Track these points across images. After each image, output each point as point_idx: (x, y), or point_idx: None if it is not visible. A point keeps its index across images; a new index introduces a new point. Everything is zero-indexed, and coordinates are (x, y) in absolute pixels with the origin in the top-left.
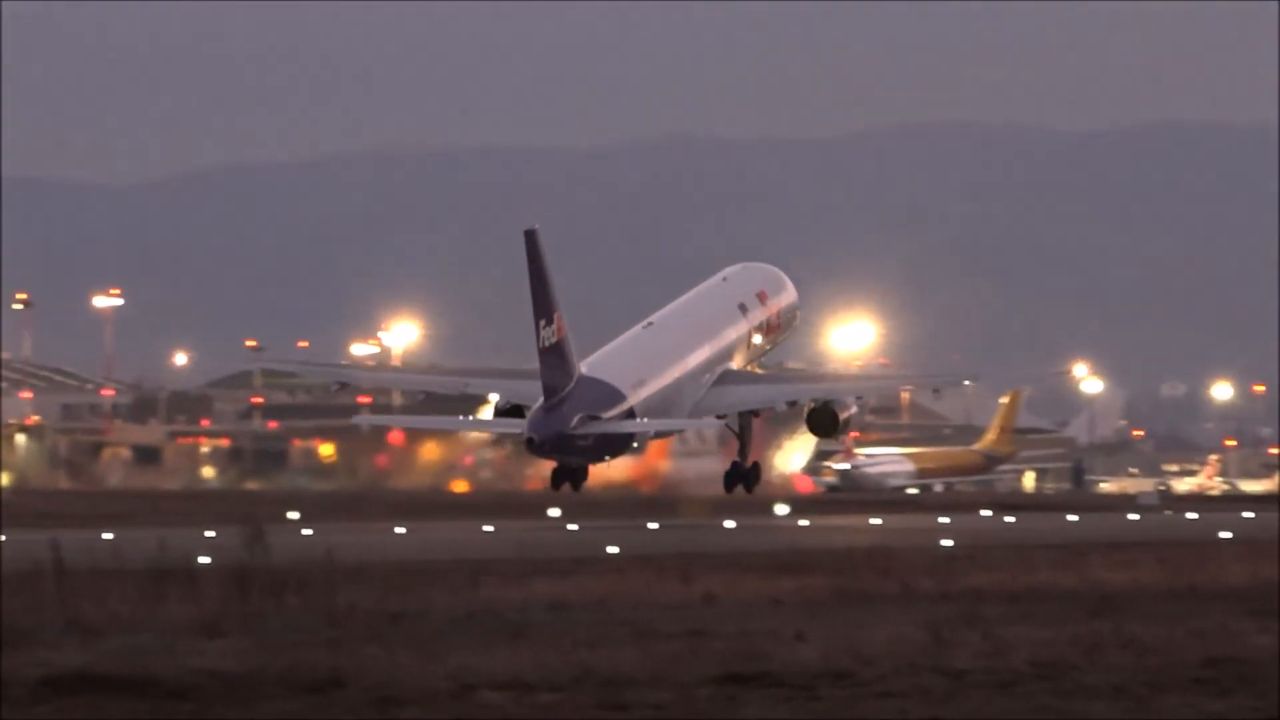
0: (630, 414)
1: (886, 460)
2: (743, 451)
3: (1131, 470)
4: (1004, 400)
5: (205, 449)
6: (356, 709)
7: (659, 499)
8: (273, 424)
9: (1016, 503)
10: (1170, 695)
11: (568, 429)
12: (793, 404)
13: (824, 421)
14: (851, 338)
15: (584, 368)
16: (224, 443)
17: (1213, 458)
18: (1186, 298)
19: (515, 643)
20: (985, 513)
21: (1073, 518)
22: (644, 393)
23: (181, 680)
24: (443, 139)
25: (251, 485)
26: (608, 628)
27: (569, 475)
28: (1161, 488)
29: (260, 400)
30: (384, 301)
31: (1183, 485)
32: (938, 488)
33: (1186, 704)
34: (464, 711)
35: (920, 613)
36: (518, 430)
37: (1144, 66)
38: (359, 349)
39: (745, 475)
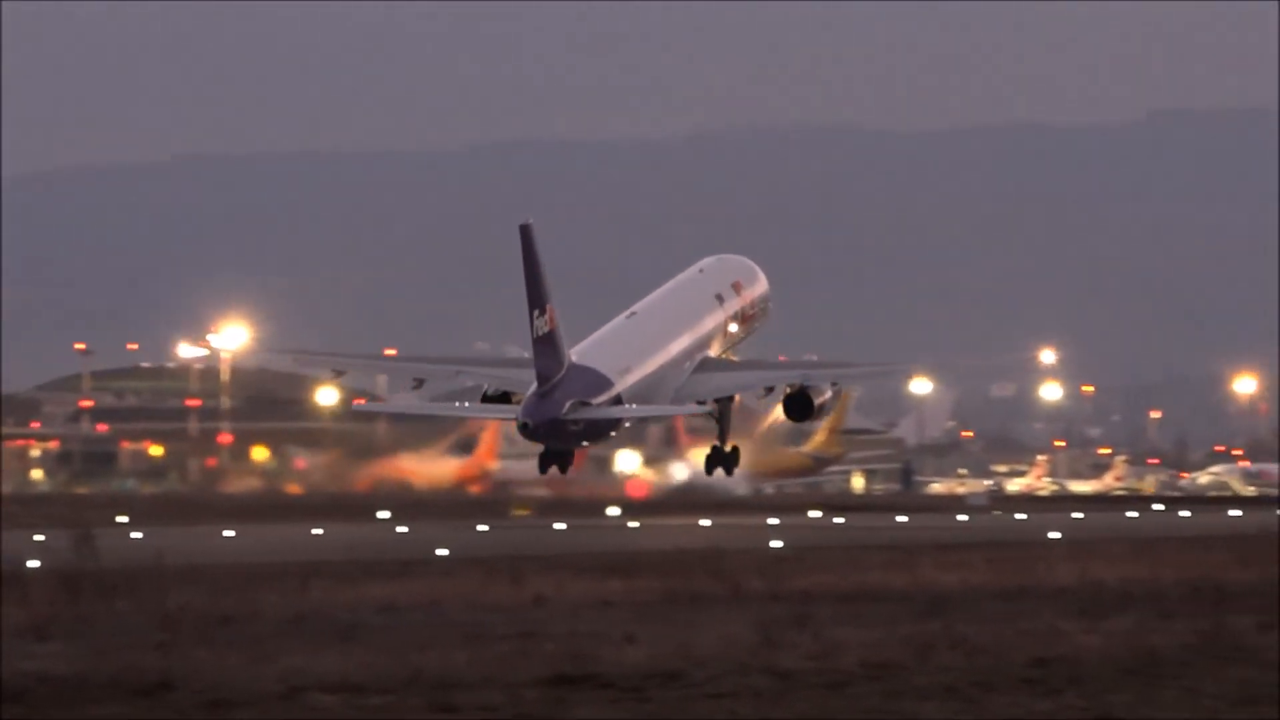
0: (618, 400)
1: None
2: (722, 436)
3: (960, 471)
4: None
5: (35, 452)
6: (186, 712)
7: (488, 500)
8: (102, 427)
9: (846, 504)
10: (999, 695)
11: (560, 414)
12: (770, 389)
13: (800, 406)
14: None
15: (574, 356)
16: (53, 445)
17: (1041, 458)
18: (1017, 300)
19: (346, 645)
20: (814, 514)
21: (902, 519)
22: (630, 379)
23: (11, 683)
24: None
25: (81, 488)
26: (438, 630)
27: (556, 458)
28: (991, 488)
29: (89, 403)
30: (215, 304)
31: (1012, 486)
32: (769, 490)
33: (1015, 704)
34: (294, 714)
35: (750, 614)
36: (512, 417)
37: (995, 67)
38: (186, 351)
39: (725, 459)
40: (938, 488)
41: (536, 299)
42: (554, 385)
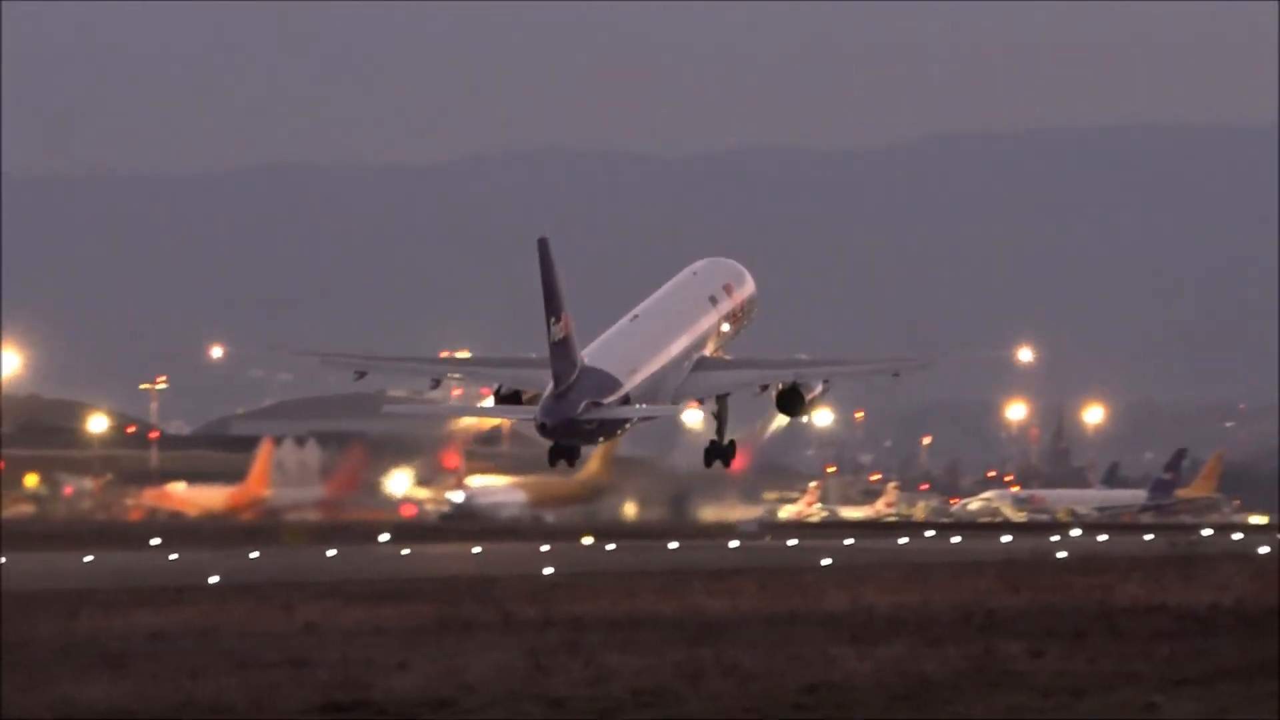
0: (626, 399)
1: (498, 490)
2: (720, 430)
3: (732, 498)
4: None
5: None
6: None
7: (261, 527)
8: None
9: (619, 531)
10: None
11: (576, 415)
12: (764, 387)
13: (792, 402)
14: None
15: (585, 358)
16: None
17: (813, 484)
18: (788, 319)
19: (116, 673)
20: (587, 541)
21: (674, 545)
22: (636, 379)
23: None
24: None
25: None
26: (209, 657)
27: (564, 453)
28: (762, 515)
29: None
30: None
31: (784, 512)
32: (549, 518)
33: None
34: None
35: (522, 640)
36: (530, 417)
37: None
38: None
39: (722, 452)
40: (709, 515)
41: (553, 307)
42: (569, 387)
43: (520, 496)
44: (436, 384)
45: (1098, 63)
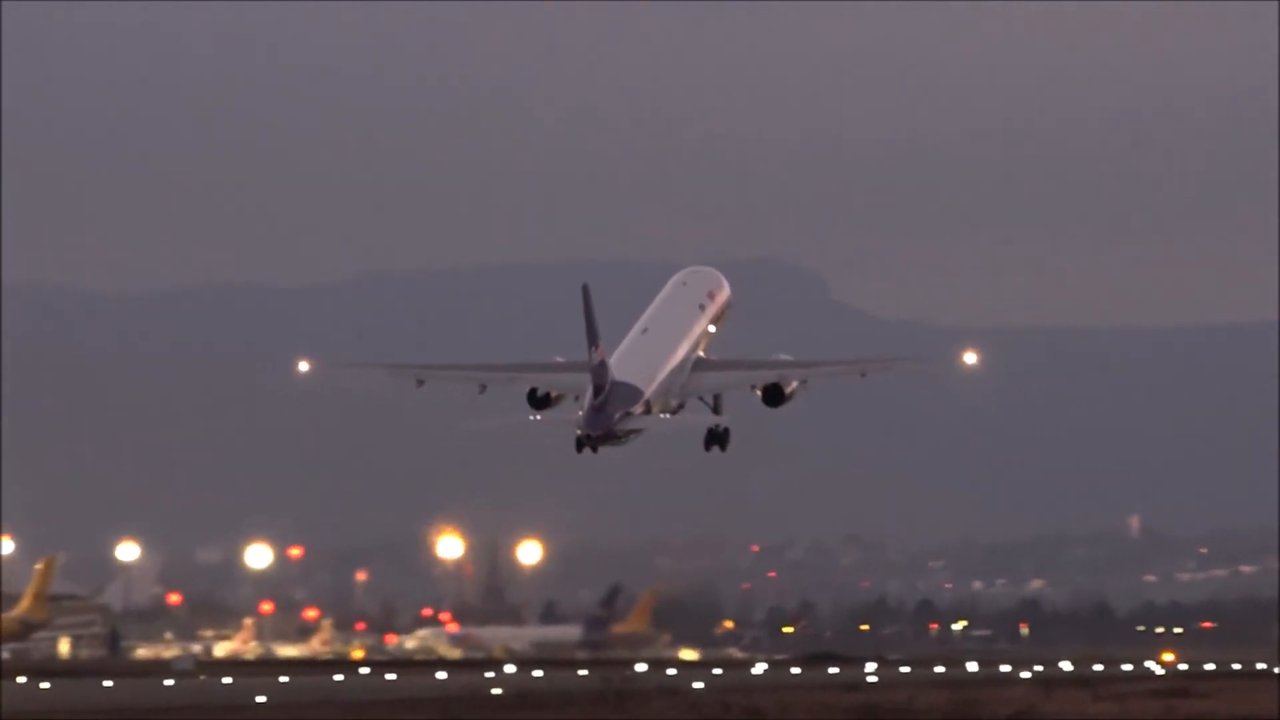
0: (647, 404)
1: None
2: (716, 416)
3: (167, 635)
4: (39, 566)
5: None
6: None
7: None
8: None
9: (52, 670)
10: None
11: (612, 425)
12: (754, 386)
13: (774, 395)
14: None
15: (614, 372)
16: None
17: (248, 621)
18: (231, 472)
19: None
20: (21, 680)
21: (108, 684)
22: (653, 386)
23: None
24: None
25: None
26: None
27: (589, 443)
28: (197, 652)
29: None
30: None
31: (219, 649)
32: None
33: None
34: None
35: None
36: (572, 422)
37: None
38: None
39: (719, 438)
40: (145, 653)
41: (592, 338)
42: (605, 399)
43: None
44: (484, 388)
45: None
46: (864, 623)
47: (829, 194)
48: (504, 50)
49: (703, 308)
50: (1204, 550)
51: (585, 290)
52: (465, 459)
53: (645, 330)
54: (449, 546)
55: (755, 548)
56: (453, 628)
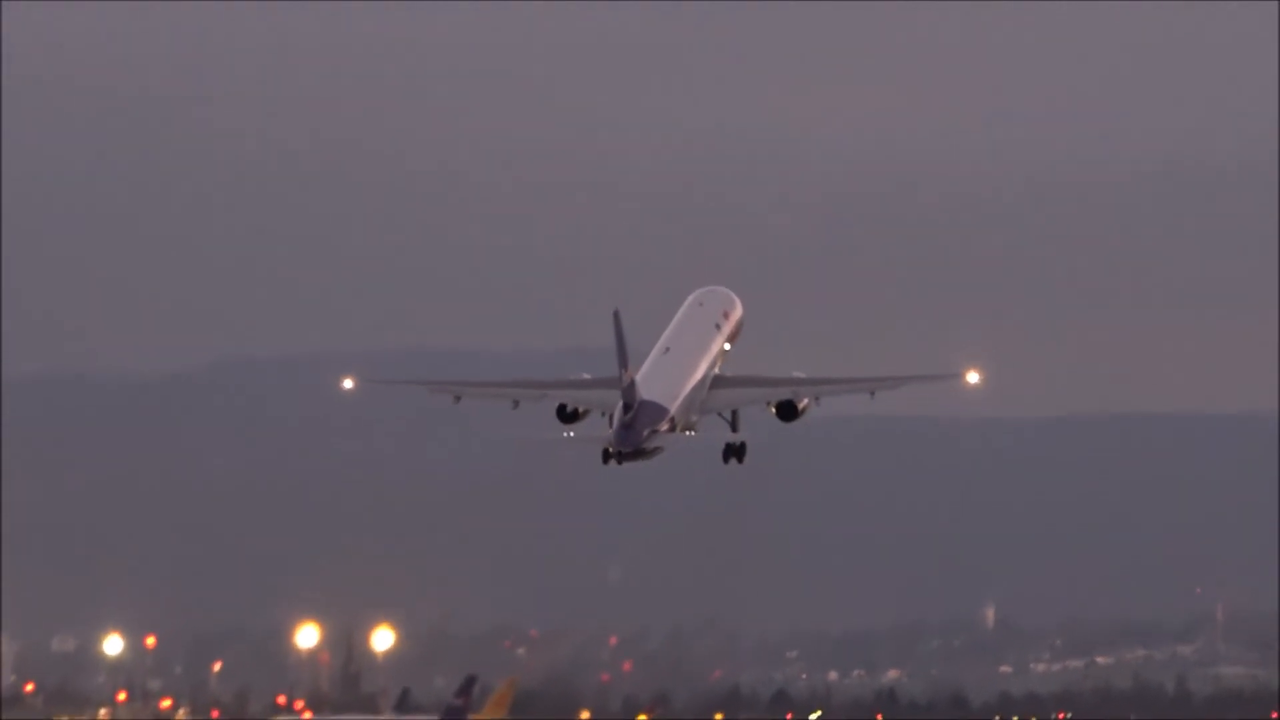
0: (672, 421)
1: None
2: (734, 431)
3: None
4: None
5: None
6: None
7: None
8: None
9: None
10: None
11: (641, 442)
12: (769, 403)
13: (788, 411)
14: None
15: (641, 391)
16: None
17: (103, 711)
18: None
19: None
20: None
21: None
22: (677, 403)
23: None
24: None
25: None
26: None
27: (618, 458)
28: None
29: None
30: None
31: None
32: None
33: None
34: None
35: None
36: (606, 440)
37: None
38: None
39: (737, 451)
40: None
41: (622, 362)
42: (634, 416)
43: None
44: (516, 404)
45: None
46: (718, 712)
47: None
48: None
49: (719, 326)
50: (1058, 642)
51: (616, 316)
52: (322, 544)
53: (668, 350)
54: (305, 634)
55: (614, 640)
56: (307, 716)
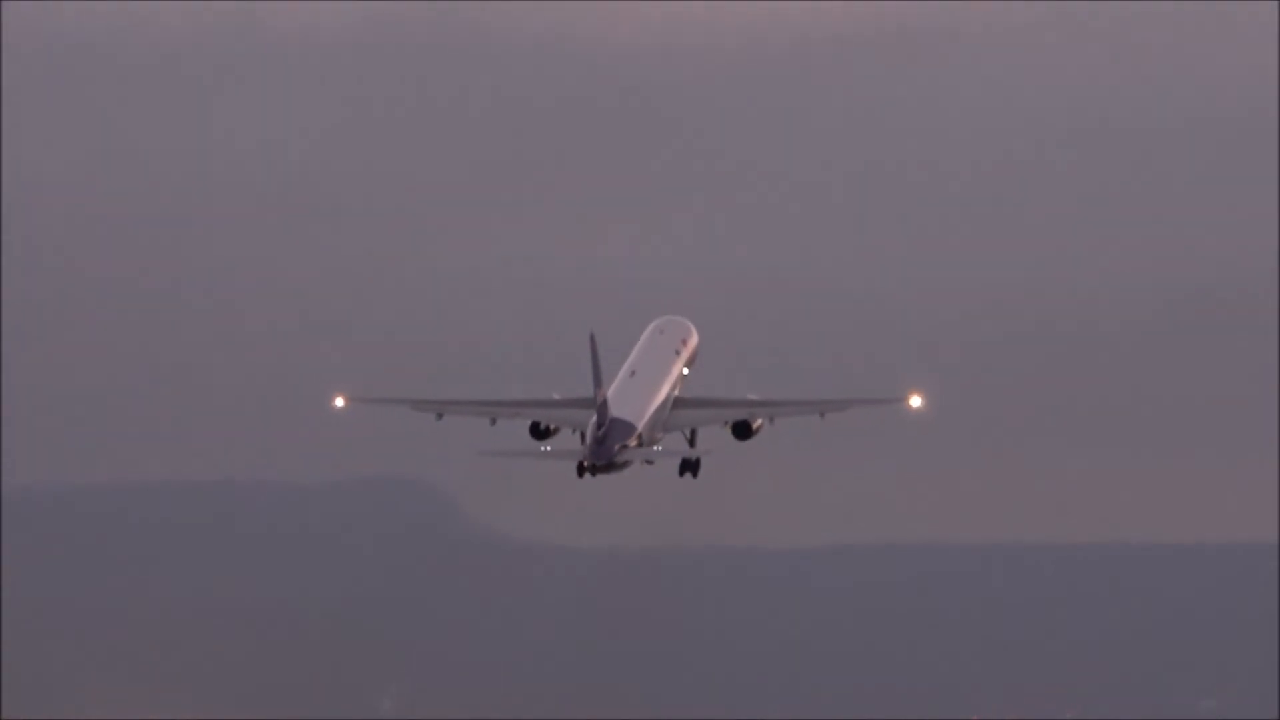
0: (639, 437)
1: None
2: (691, 447)
3: None
4: None
5: None
6: None
7: None
8: None
9: None
10: None
11: (612, 456)
12: (725, 422)
13: (742, 430)
14: None
15: (611, 409)
16: None
17: None
18: None
19: None
20: None
21: None
22: (644, 422)
23: None
24: None
25: None
26: None
27: (591, 471)
28: None
29: None
30: None
31: None
32: None
33: None
34: None
35: None
36: (579, 455)
37: None
38: None
39: (693, 466)
40: None
41: (596, 381)
42: (605, 433)
43: None
44: (494, 421)
45: None
46: None
47: None
48: None
49: (678, 353)
50: None
51: (592, 339)
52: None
53: (634, 373)
54: None
55: None
56: None
